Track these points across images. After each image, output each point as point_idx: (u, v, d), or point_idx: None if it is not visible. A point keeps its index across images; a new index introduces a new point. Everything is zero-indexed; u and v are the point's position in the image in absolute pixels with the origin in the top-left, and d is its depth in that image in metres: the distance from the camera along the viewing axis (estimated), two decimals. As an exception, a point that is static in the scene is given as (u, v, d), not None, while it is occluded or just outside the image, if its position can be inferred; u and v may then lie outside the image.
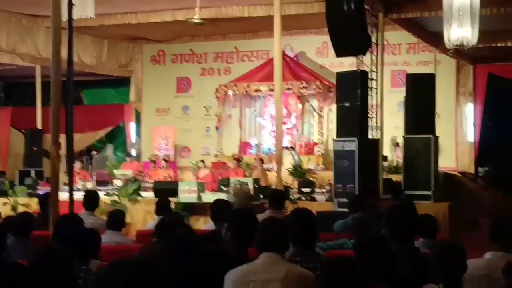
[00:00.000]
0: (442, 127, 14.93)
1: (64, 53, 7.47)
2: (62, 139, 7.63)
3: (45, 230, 7.11)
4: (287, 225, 4.47)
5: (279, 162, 12.53)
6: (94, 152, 20.79)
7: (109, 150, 23.17)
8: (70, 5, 7.45)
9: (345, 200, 11.97)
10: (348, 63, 17.83)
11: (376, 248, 4.12)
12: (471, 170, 19.04)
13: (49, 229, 7.02)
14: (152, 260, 2.74)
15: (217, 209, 5.98)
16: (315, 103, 19.54)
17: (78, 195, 9.03)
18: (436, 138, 13.22)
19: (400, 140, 17.28)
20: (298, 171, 16.85)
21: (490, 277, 4.57)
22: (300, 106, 19.63)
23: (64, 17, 7.84)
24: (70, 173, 7.32)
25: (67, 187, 8.33)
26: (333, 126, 19.20)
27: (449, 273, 4.06)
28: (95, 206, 8.44)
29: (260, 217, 8.18)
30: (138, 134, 22.43)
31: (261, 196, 12.86)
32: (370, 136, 13.24)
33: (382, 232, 5.35)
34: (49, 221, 7.12)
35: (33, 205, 13.87)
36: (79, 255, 4.09)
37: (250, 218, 4.80)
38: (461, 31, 11.26)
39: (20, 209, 13.63)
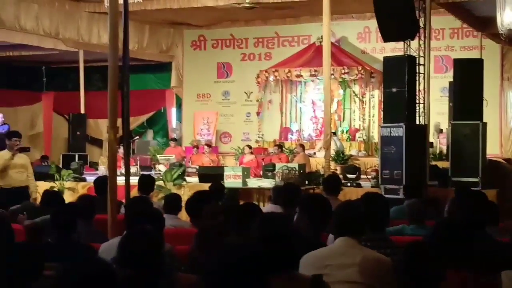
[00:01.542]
0: (486, 113, 14.68)
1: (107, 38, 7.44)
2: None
3: (102, 213, 7.13)
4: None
5: (328, 148, 12.47)
6: (137, 137, 20.90)
7: (149, 135, 23.29)
8: (126, -12, 7.44)
9: (392, 186, 11.92)
10: (389, 48, 17.72)
11: (454, 234, 4.07)
12: (516, 157, 18.78)
13: (106, 213, 7.05)
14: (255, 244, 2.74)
15: (289, 193, 5.93)
16: (356, 88, 19.42)
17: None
18: (485, 124, 13.06)
19: (444, 126, 17.16)
20: (340, 157, 16.77)
21: None
22: (341, 91, 19.51)
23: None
24: (127, 156, 7.31)
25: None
26: (375, 112, 19.28)
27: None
28: (150, 190, 8.45)
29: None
30: (179, 119, 22.50)
31: (306, 182, 12.86)
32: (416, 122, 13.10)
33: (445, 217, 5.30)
34: (105, 205, 7.11)
35: (79, 189, 14.01)
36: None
37: (324, 203, 4.76)
38: (514, 14, 11.11)
39: (66, 193, 13.77)
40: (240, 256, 2.49)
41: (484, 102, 13.82)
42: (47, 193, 8.08)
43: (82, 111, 19.39)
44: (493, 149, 17.42)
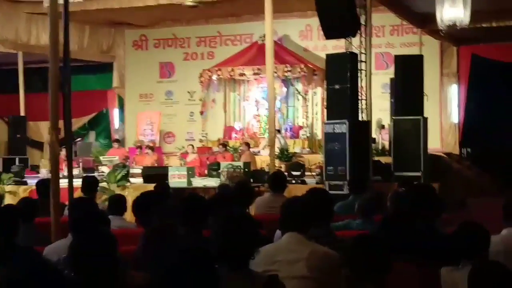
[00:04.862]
0: (427, 108, 14.97)
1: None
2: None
3: (45, 216, 7.01)
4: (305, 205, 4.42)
5: (273, 146, 12.49)
6: (79, 139, 20.63)
7: (91, 136, 23.02)
8: (65, -13, 7.30)
9: (337, 182, 12.00)
10: (331, 46, 17.79)
11: (403, 226, 4.11)
12: (456, 151, 19.14)
13: (49, 215, 6.93)
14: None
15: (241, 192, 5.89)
16: (299, 86, 19.50)
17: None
18: (425, 119, 13.29)
19: (386, 122, 17.39)
20: (284, 155, 16.82)
21: (507, 252, 4.61)
22: (284, 89, 19.58)
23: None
24: (70, 158, 7.16)
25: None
26: (318, 109, 19.41)
27: (475, 251, 4.06)
28: (94, 191, 8.33)
29: (260, 200, 8.19)
30: (122, 120, 22.29)
31: (251, 180, 12.84)
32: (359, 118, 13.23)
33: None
34: (48, 208, 6.99)
35: (20, 192, 13.75)
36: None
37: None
38: (453, 10, 11.28)
39: (7, 196, 13.52)
40: (193, 254, 2.47)
41: (425, 97, 14.07)
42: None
43: (22, 114, 19.03)
44: (434, 143, 17.70)
